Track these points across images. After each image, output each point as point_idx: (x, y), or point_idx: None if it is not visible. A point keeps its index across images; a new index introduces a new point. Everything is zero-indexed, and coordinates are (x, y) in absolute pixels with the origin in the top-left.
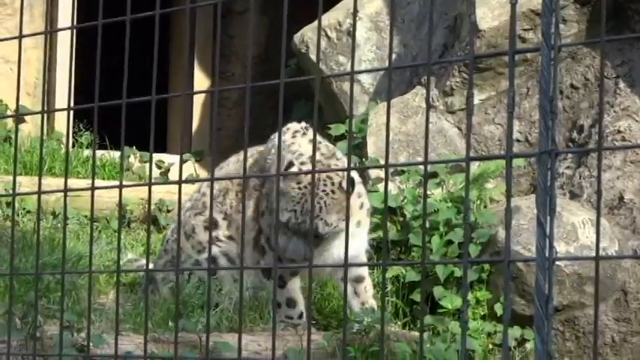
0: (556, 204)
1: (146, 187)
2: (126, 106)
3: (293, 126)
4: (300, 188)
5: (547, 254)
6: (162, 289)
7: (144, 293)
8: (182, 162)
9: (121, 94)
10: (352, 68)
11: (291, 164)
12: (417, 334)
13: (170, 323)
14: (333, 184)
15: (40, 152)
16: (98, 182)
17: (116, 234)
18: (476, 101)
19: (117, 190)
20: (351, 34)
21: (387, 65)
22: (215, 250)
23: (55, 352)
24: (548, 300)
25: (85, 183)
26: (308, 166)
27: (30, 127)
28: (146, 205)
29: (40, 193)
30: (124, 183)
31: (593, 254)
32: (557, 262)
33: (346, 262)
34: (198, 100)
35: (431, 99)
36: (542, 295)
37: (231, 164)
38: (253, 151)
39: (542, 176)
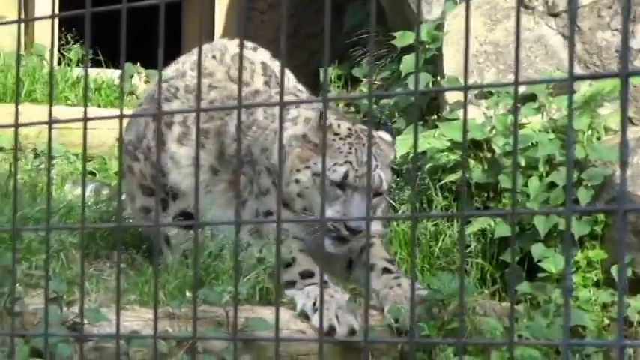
0: None
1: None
2: (127, 13)
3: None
4: (342, 139)
5: None
6: (176, 250)
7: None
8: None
9: None
10: None
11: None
12: (509, 305)
13: (188, 294)
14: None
15: (17, 72)
16: (92, 110)
17: (115, 177)
18: (587, 0)
19: (116, 121)
20: None
21: None
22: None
23: (40, 330)
24: None
25: (76, 111)
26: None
27: (2, 40)
28: None
29: (17, 126)
30: (126, 112)
31: None
32: None
33: (368, 215)
34: (221, 3)
35: None
36: None
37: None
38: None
39: None
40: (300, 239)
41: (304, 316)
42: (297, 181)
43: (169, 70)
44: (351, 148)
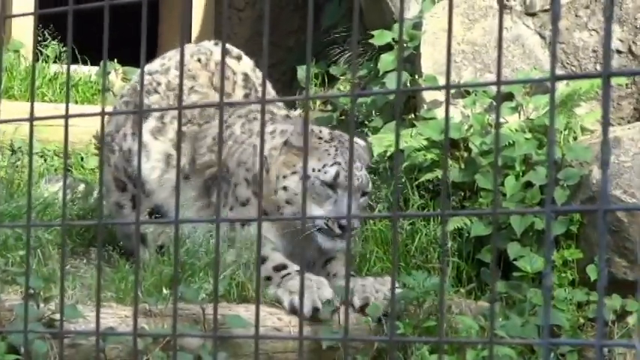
0: None
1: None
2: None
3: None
4: (327, 142)
5: None
6: (151, 246)
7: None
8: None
9: None
10: None
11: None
12: (485, 304)
13: (165, 291)
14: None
15: (0, 69)
16: (70, 107)
17: (91, 173)
18: (564, 0)
19: (93, 119)
20: None
21: None
22: None
23: (17, 327)
24: None
25: (53, 108)
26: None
27: None
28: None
29: (1, 121)
30: (107, 110)
31: None
32: None
33: (348, 213)
34: (198, 1)
35: None
36: None
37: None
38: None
39: None
40: (273, 243)
41: (294, 310)
42: (285, 188)
43: (155, 64)
44: (337, 150)
